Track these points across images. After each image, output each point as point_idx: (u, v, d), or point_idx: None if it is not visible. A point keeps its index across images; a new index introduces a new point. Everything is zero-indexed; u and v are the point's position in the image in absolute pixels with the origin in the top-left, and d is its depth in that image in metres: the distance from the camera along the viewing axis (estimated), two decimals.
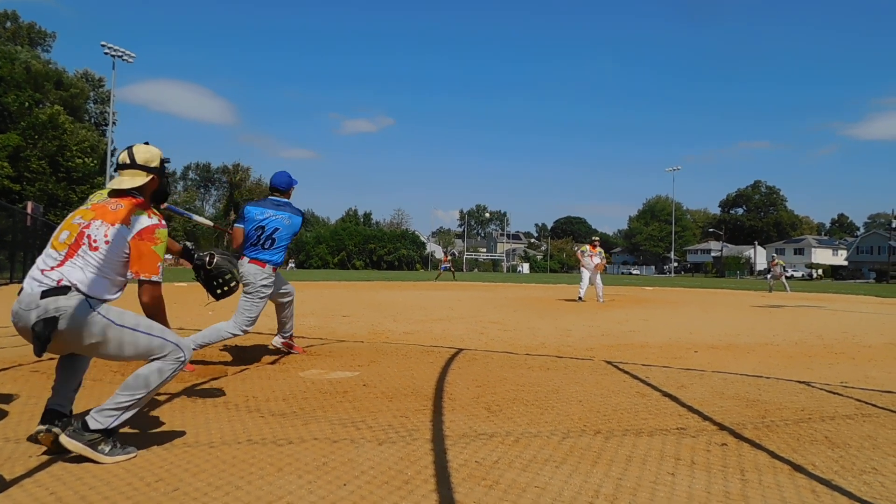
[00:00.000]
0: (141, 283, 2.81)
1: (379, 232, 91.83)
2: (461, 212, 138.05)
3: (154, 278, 2.82)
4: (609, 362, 5.60)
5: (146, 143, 3.08)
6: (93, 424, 2.60)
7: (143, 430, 3.13)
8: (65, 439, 2.58)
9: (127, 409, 2.67)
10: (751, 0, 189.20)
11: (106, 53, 56.79)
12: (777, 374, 5.15)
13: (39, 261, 2.74)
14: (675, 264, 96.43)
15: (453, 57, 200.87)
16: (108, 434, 2.63)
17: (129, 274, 2.82)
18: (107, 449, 2.62)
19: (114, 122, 60.09)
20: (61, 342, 2.64)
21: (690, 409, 3.80)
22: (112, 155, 57.33)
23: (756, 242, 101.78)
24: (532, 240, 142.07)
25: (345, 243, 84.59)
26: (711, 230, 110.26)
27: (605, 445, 2.97)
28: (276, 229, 5.12)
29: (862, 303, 18.45)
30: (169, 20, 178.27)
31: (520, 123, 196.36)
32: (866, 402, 4.11)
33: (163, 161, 3.09)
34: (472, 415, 3.55)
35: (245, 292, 5.09)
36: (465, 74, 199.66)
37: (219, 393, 4.02)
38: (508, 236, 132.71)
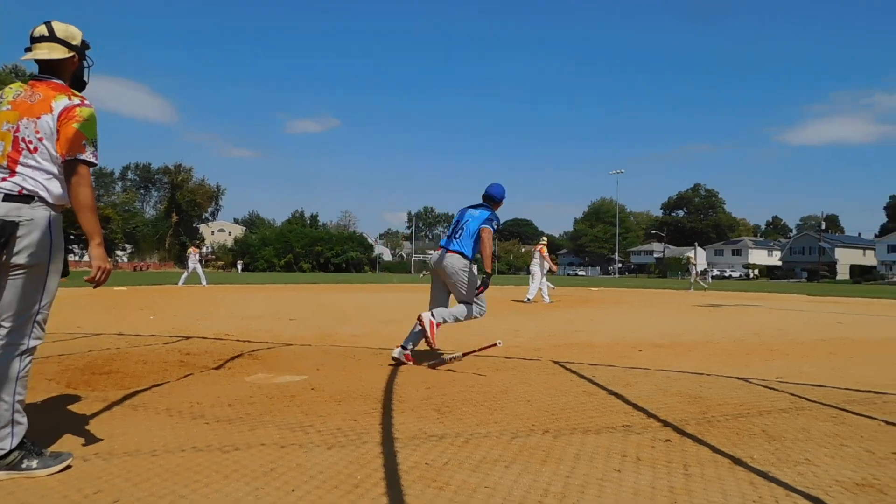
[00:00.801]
0: (69, 163, 2.60)
1: (326, 234, 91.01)
2: (409, 213, 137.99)
3: (83, 156, 2.61)
4: (557, 362, 5.68)
5: None
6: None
7: (81, 438, 3.01)
8: None
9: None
10: (696, 6, 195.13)
11: None
12: (718, 371, 5.32)
13: None
14: (620, 265, 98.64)
15: (400, 57, 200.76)
16: (23, 448, 2.48)
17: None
18: (34, 463, 2.48)
19: None
20: (8, 258, 2.49)
21: (636, 406, 3.88)
22: None
23: (696, 244, 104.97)
24: None
25: (291, 245, 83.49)
26: (654, 232, 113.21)
27: (554, 444, 3.01)
28: (468, 221, 5.66)
29: (795, 301, 19.25)
30: (101, 14, 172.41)
31: (468, 124, 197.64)
32: (800, 397, 4.28)
33: (84, 43, 2.84)
34: (422, 416, 3.55)
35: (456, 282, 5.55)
36: (412, 75, 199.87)
37: (161, 399, 3.91)
38: None
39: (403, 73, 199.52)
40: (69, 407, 3.69)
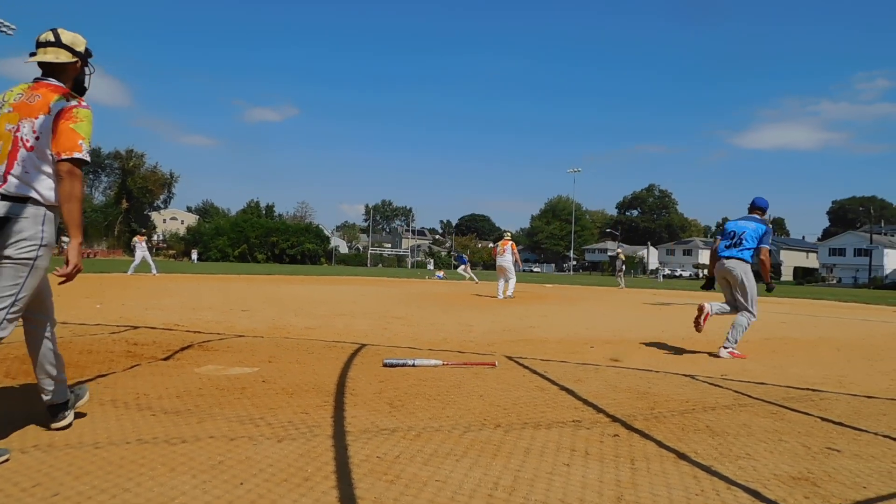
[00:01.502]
0: (61, 161, 2.66)
1: (282, 225, 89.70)
2: (367, 206, 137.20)
3: (76, 154, 2.68)
4: (509, 357, 5.73)
5: None
6: None
7: (18, 429, 2.91)
8: None
9: None
10: (654, 5, 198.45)
11: None
12: (665, 368, 5.44)
13: None
14: (574, 263, 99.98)
15: (360, 49, 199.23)
16: None
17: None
18: None
19: None
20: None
21: (586, 402, 3.95)
22: None
23: (649, 243, 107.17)
24: (437, 236, 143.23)
25: (246, 235, 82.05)
26: (609, 230, 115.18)
27: (505, 438, 3.04)
28: (745, 232, 6.61)
29: None
30: None
31: (427, 118, 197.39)
32: (743, 394, 4.42)
33: (87, 51, 3.00)
34: (375, 410, 3.54)
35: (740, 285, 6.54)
36: (372, 67, 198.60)
37: (106, 390, 3.81)
38: (414, 232, 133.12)
39: (364, 65, 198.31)
40: (8, 398, 3.56)
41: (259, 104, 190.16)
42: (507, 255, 15.91)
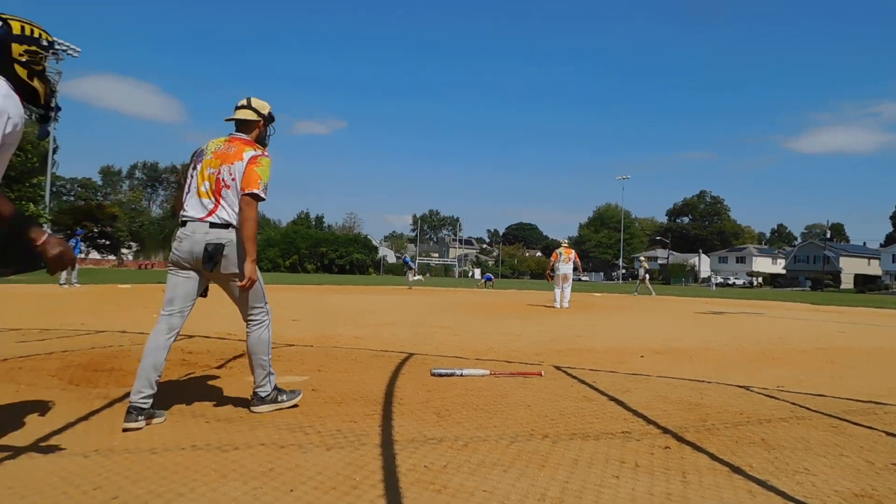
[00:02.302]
0: (244, 195, 3.38)
1: (331, 235, 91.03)
2: (414, 216, 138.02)
3: (255, 191, 3.39)
4: (557, 367, 5.68)
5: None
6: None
7: (81, 435, 3.03)
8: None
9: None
10: (699, 13, 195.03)
11: None
12: (718, 379, 5.31)
13: (190, 210, 3.44)
14: (623, 271, 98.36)
15: (407, 60, 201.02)
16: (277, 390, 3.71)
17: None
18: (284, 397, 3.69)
19: (56, 118, 58.02)
20: (216, 270, 3.40)
21: (635, 412, 3.88)
22: (54, 153, 55.37)
23: (700, 251, 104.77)
24: (484, 245, 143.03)
25: (296, 246, 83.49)
26: (658, 238, 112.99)
27: (552, 449, 3.02)
28: None
29: (797, 310, 19.20)
30: (112, 14, 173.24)
31: (474, 129, 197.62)
32: (800, 406, 4.27)
33: (270, 114, 3.75)
34: (421, 419, 3.55)
35: None
36: (419, 78, 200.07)
37: (162, 397, 3.92)
38: (461, 241, 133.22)
39: (410, 77, 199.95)
40: (70, 403, 3.70)
41: (306, 117, 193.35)
42: (570, 263, 15.83)
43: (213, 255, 3.36)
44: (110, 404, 3.70)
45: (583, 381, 4.95)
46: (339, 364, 5.51)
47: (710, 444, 3.21)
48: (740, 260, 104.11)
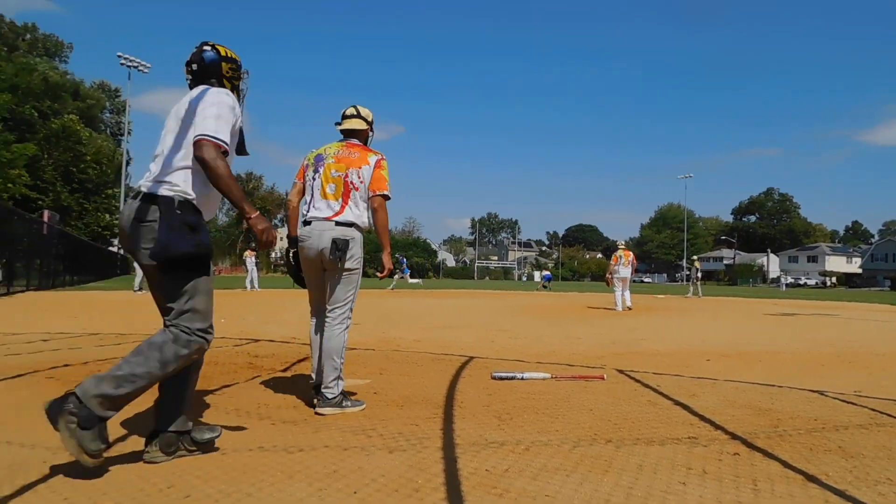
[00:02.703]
0: (375, 196, 3.82)
1: (392, 239, 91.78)
2: (472, 220, 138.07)
3: (385, 192, 3.85)
4: (619, 370, 5.58)
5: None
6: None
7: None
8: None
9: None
10: (761, 6, 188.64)
11: (122, 64, 57.48)
12: (789, 383, 5.11)
13: (313, 209, 3.78)
14: (687, 272, 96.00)
15: (463, 64, 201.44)
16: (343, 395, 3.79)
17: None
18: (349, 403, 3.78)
19: (129, 132, 60.87)
20: (331, 266, 3.73)
21: (702, 417, 3.78)
22: (128, 165, 57.87)
23: (769, 250, 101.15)
24: (543, 248, 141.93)
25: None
26: (724, 238, 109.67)
27: (616, 454, 2.96)
28: None
29: (876, 311, 18.26)
30: (178, 28, 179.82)
31: (532, 131, 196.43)
32: (881, 412, 4.07)
33: (372, 122, 4.12)
34: (483, 423, 3.55)
35: None
36: (476, 81, 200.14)
37: (230, 400, 4.04)
38: (520, 244, 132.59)
39: (467, 80, 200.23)
40: (144, 404, 3.85)
41: None
42: (629, 266, 15.64)
43: (341, 248, 3.66)
44: None
45: (647, 385, 4.85)
46: (400, 367, 5.56)
47: (783, 451, 3.09)
48: (812, 259, 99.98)
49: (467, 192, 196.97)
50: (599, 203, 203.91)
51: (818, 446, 3.18)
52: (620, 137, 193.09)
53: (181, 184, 2.69)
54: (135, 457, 2.79)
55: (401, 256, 34.54)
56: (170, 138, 2.78)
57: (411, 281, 30.93)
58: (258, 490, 2.38)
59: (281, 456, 2.84)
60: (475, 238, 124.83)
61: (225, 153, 2.68)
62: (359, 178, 3.78)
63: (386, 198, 3.86)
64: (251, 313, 11.90)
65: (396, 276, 29.93)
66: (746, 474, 2.69)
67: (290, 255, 4.02)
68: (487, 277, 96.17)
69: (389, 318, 11.45)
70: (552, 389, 4.61)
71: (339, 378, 3.77)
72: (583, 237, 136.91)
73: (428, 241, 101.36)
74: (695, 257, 29.13)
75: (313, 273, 3.90)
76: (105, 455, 2.54)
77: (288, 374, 5.16)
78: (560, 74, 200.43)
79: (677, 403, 4.18)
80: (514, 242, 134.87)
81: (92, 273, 34.94)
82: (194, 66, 3.01)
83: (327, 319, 3.81)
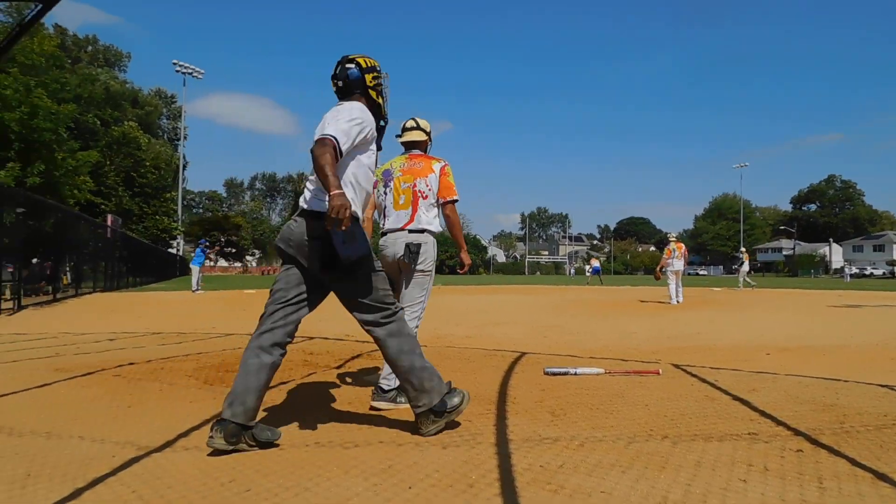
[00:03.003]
0: (446, 203, 4.06)
1: (440, 236, 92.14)
2: (522, 215, 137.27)
3: (455, 197, 4.08)
4: (675, 365, 5.47)
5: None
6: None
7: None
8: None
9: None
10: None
11: (177, 71, 59.13)
12: (856, 378, 4.91)
13: (389, 220, 4.07)
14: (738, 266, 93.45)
15: (511, 59, 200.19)
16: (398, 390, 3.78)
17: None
18: (403, 399, 3.71)
19: (185, 137, 62.73)
20: (415, 266, 3.96)
21: (763, 413, 3.67)
22: (184, 169, 59.65)
23: (831, 240, 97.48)
24: (595, 241, 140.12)
25: None
26: (783, 228, 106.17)
27: (673, 450, 2.91)
28: None
29: None
30: (231, 34, 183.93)
31: (581, 125, 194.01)
32: None
33: (431, 131, 4.33)
34: (536, 419, 3.53)
35: None
36: (523, 76, 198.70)
37: (287, 396, 4.13)
38: (570, 238, 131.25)
39: (514, 76, 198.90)
40: (205, 402, 3.98)
41: None
42: (682, 259, 15.37)
43: (414, 252, 3.96)
44: None
45: (704, 380, 4.75)
46: (453, 363, 5.58)
47: (850, 448, 2.97)
48: (878, 248, 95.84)
49: (516, 187, 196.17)
50: (651, 195, 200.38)
51: (889, 443, 3.05)
52: (672, 129, 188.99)
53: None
54: (197, 451, 2.88)
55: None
56: None
57: None
58: (315, 485, 2.43)
59: (337, 451, 2.89)
60: (525, 233, 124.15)
61: (334, 147, 2.90)
62: (427, 186, 4.02)
63: (455, 202, 4.10)
64: None
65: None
66: (811, 472, 2.60)
67: None
68: (538, 272, 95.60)
69: (441, 315, 11.50)
70: (606, 385, 4.55)
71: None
72: (634, 230, 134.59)
73: (478, 237, 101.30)
74: (742, 248, 28.01)
75: (391, 278, 4.00)
76: (170, 450, 2.63)
77: (342, 370, 5.24)
78: (610, 68, 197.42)
79: (736, 399, 4.07)
80: (564, 237, 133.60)
81: (153, 274, 36.14)
82: (340, 83, 3.31)
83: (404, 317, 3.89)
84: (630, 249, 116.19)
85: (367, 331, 3.24)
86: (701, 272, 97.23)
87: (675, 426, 3.36)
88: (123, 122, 48.52)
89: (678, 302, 14.98)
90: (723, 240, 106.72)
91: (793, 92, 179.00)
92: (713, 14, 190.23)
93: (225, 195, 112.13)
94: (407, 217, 4.01)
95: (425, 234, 4.00)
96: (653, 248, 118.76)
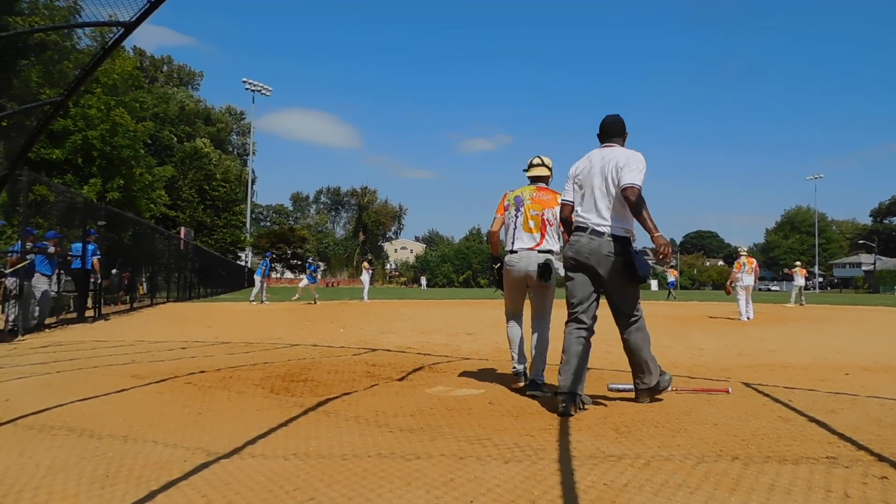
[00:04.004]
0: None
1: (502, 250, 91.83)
2: None
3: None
4: (746, 384, 5.28)
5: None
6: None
7: (281, 439, 3.31)
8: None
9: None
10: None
11: (247, 89, 61.19)
12: None
13: (518, 241, 4.88)
14: (820, 279, 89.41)
15: (570, 71, 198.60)
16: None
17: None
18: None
19: (253, 152, 64.82)
20: (536, 284, 4.82)
21: (842, 436, 3.49)
22: (253, 183, 61.59)
23: None
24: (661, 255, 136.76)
25: (469, 262, 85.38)
26: (862, 242, 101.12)
27: (744, 472, 2.80)
28: None
29: None
30: (297, 52, 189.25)
31: (644, 136, 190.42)
32: None
33: (552, 165, 5.12)
34: (600, 435, 3.47)
35: None
36: (582, 87, 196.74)
37: (350, 407, 4.18)
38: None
39: (573, 86, 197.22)
40: (271, 411, 4.07)
41: (473, 135, 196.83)
42: (752, 274, 14.88)
43: (547, 270, 4.71)
44: (305, 412, 4.01)
45: (777, 400, 4.55)
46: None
47: None
48: None
49: None
50: (719, 208, 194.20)
51: None
52: (742, 139, 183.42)
53: (626, 224, 4.11)
54: (264, 459, 2.94)
55: (311, 263, 25.53)
56: (604, 190, 4.12)
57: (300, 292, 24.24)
58: (378, 496, 2.45)
59: (399, 463, 2.90)
60: None
61: (639, 189, 3.91)
62: (553, 215, 4.83)
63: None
64: (368, 323, 12.29)
65: (302, 285, 23.85)
66: None
67: (496, 268, 5.24)
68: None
69: (502, 329, 11.43)
70: (673, 402, 4.43)
71: (544, 369, 4.81)
72: (702, 244, 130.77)
73: None
74: (797, 263, 26.47)
75: (516, 289, 5.05)
76: (238, 457, 2.70)
77: (404, 382, 5.27)
78: (673, 79, 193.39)
79: (812, 420, 3.89)
80: None
81: (223, 285, 37.34)
82: (600, 132, 4.39)
83: (538, 324, 4.91)
84: (697, 264, 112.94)
85: (620, 323, 4.30)
86: (773, 288, 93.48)
87: (746, 447, 3.24)
88: (195, 139, 50.53)
89: (748, 318, 14.48)
90: (796, 254, 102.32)
91: (871, 98, 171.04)
92: (782, 24, 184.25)
93: (291, 208, 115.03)
94: (536, 239, 4.82)
95: (551, 254, 4.79)
96: (721, 263, 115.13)
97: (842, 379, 5.74)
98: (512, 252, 4.90)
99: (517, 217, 4.91)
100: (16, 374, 5.56)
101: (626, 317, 4.23)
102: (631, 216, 4.03)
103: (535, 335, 4.89)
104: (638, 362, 4.29)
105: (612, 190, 4.06)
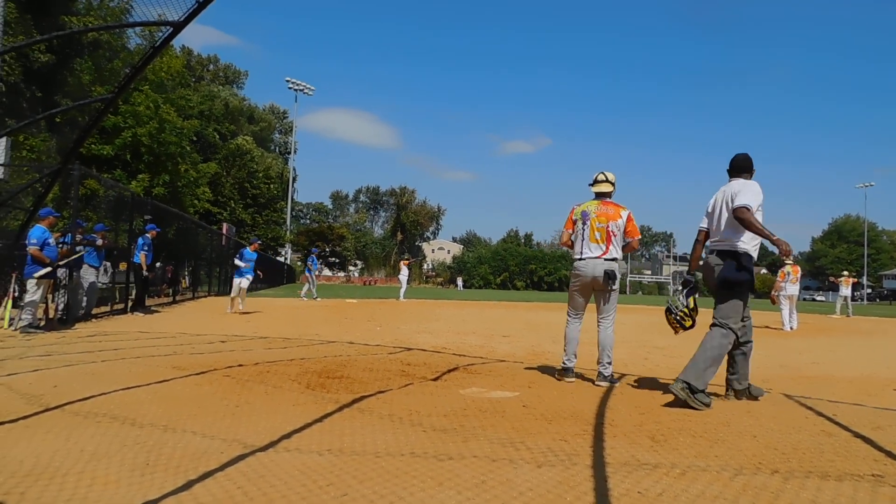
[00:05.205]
0: (634, 241, 5.57)
1: (539, 253, 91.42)
2: None
3: (639, 237, 5.65)
4: (787, 396, 5.15)
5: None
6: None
7: (317, 435, 3.35)
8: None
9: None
10: None
11: (290, 88, 62.06)
12: None
13: (586, 250, 5.47)
14: (869, 291, 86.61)
15: (611, 75, 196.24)
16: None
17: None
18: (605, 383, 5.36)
19: (295, 151, 65.70)
20: (601, 287, 5.45)
21: (888, 454, 3.38)
22: (294, 181, 62.45)
23: None
24: (701, 261, 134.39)
25: (506, 263, 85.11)
26: None
27: (784, 486, 2.73)
28: None
29: None
30: (339, 52, 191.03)
31: (685, 142, 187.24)
32: None
33: (615, 181, 5.70)
34: (635, 443, 3.42)
35: None
36: (623, 92, 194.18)
37: (384, 406, 4.21)
38: (675, 258, 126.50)
39: (614, 91, 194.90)
40: (306, 406, 4.12)
41: (513, 138, 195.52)
42: (797, 283, 14.53)
43: (612, 276, 5.37)
44: (340, 409, 4.05)
45: (820, 413, 4.43)
46: (550, 381, 5.50)
47: None
48: None
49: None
50: (764, 216, 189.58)
51: None
52: (786, 147, 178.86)
53: (741, 242, 4.80)
54: (299, 453, 2.98)
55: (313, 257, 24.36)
56: (726, 215, 4.84)
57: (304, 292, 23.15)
58: (410, 494, 2.46)
59: (431, 463, 2.91)
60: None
61: (749, 209, 4.61)
62: (617, 228, 5.43)
63: (637, 242, 5.61)
64: (404, 323, 12.34)
65: (307, 287, 23.06)
66: None
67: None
68: (640, 292, 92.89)
69: (537, 332, 11.38)
70: (711, 412, 4.35)
71: (610, 362, 5.43)
72: None
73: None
74: (845, 272, 25.42)
75: (582, 291, 5.58)
76: (273, 450, 2.74)
77: (438, 382, 5.28)
78: (713, 85, 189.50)
79: (857, 436, 3.77)
80: (668, 256, 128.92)
81: (263, 281, 37.89)
82: (730, 167, 5.14)
83: (603, 324, 5.49)
84: None
85: (716, 321, 4.87)
86: (818, 298, 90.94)
87: (786, 460, 3.16)
88: (238, 136, 51.45)
89: (791, 328, 14.13)
90: (844, 264, 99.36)
91: None
92: (829, 34, 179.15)
93: (331, 207, 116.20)
94: (602, 249, 5.41)
95: (615, 262, 5.44)
96: (764, 271, 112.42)
97: (889, 394, 5.56)
98: (580, 259, 5.48)
99: (584, 230, 5.49)
100: (63, 361, 5.74)
101: (719, 317, 4.88)
102: (743, 233, 4.74)
103: (601, 333, 5.47)
104: (731, 362, 5.15)
105: (726, 214, 4.83)
